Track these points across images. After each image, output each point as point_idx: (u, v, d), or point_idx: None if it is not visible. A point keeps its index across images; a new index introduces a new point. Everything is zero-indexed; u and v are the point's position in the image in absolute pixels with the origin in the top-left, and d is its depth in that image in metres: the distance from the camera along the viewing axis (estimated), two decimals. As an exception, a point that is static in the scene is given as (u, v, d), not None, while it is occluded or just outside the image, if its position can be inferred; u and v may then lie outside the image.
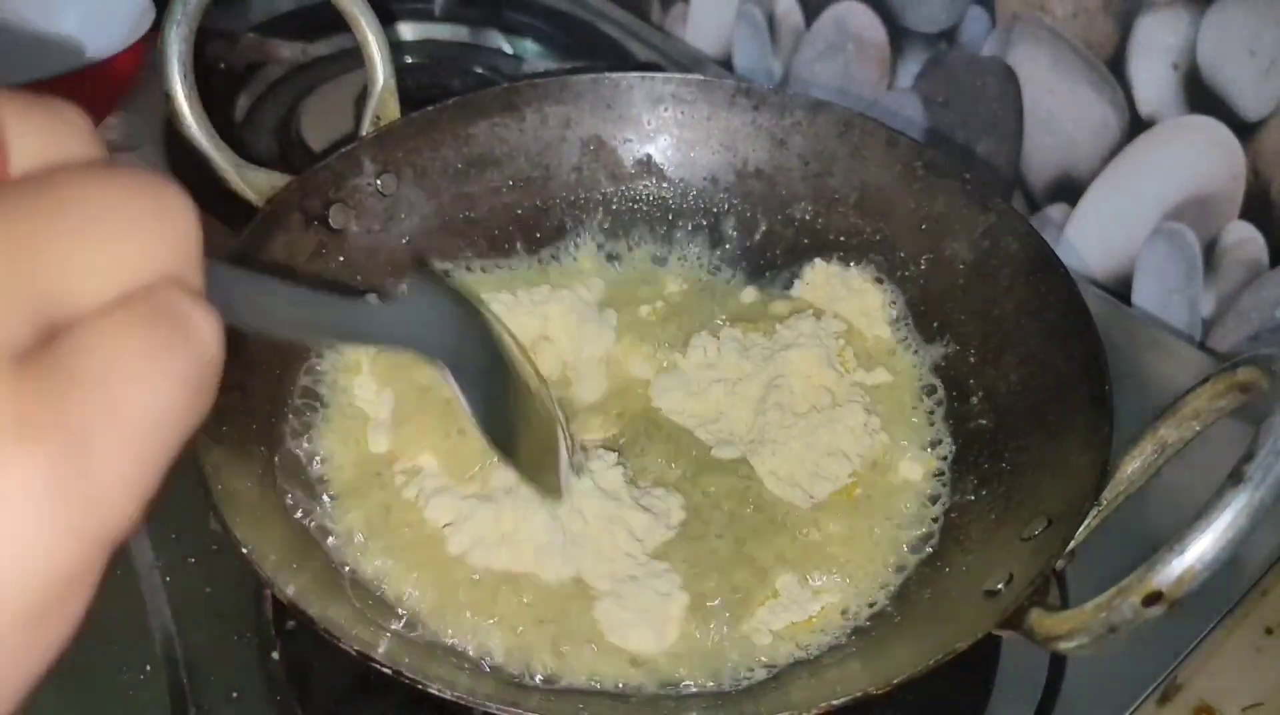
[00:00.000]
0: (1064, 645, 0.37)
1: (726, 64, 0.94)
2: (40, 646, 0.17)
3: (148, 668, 0.49)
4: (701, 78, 0.65)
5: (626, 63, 0.91)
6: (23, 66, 0.71)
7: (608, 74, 0.65)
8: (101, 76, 0.70)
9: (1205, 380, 0.40)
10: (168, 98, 0.54)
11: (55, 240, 0.17)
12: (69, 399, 0.16)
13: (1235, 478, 0.32)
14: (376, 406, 0.54)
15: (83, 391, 0.16)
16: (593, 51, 0.92)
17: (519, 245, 0.64)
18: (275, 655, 0.49)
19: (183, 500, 0.53)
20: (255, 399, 0.51)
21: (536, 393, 0.48)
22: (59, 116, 0.19)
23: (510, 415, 0.44)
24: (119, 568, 0.52)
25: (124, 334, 0.17)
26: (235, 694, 0.48)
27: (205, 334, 0.19)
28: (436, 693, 0.37)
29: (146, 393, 0.17)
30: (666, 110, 0.65)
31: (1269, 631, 0.58)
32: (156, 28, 0.62)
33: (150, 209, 0.18)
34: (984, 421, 0.55)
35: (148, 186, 0.18)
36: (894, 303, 0.61)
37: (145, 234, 0.18)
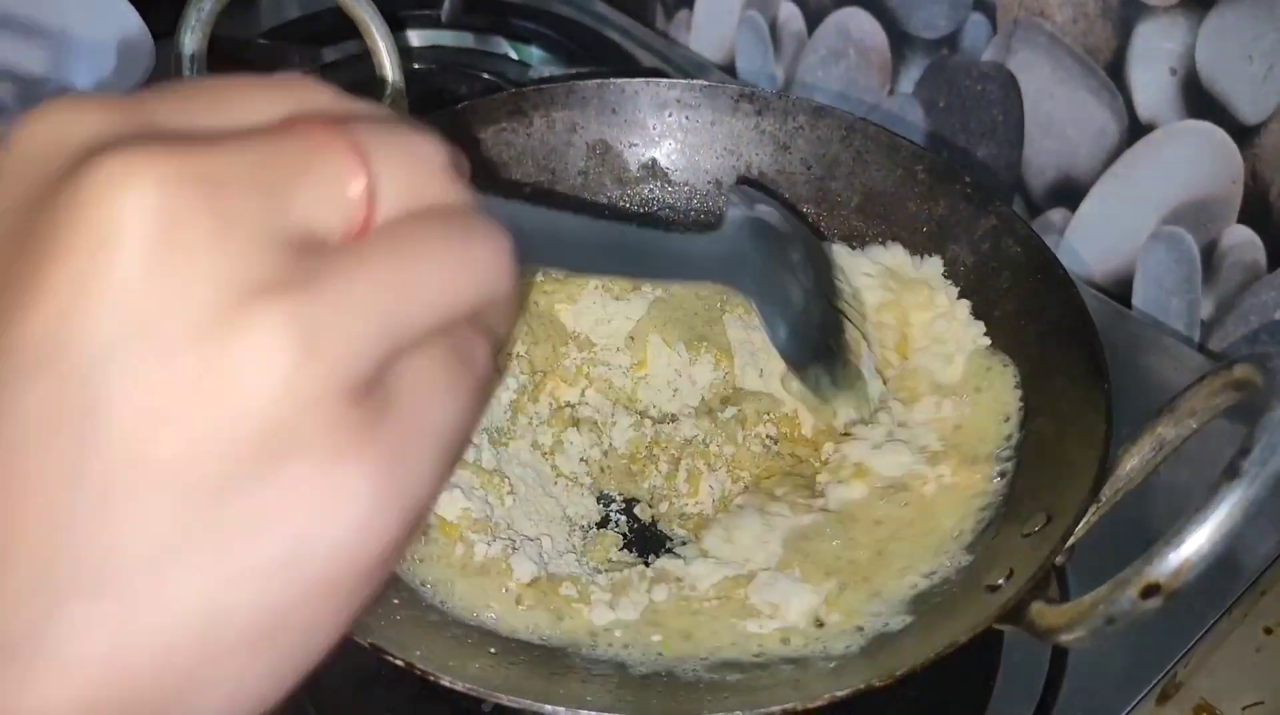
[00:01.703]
0: (1063, 638, 0.37)
1: (729, 70, 0.95)
2: (350, 604, 0.20)
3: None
4: (706, 83, 0.66)
5: (631, 69, 0.92)
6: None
7: (613, 79, 0.66)
8: None
9: (1202, 378, 0.40)
10: (181, 102, 0.55)
11: (402, 290, 0.20)
12: (391, 423, 0.19)
13: (1231, 472, 0.33)
14: None
15: (400, 415, 0.20)
16: (597, 57, 0.93)
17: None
18: (286, 651, 0.50)
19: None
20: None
21: (839, 317, 0.48)
22: (422, 158, 0.21)
23: (813, 339, 0.44)
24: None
25: (432, 368, 0.20)
26: (247, 689, 0.49)
27: (488, 362, 0.22)
28: (449, 685, 0.37)
29: (446, 410, 0.21)
30: (671, 115, 0.66)
31: (1268, 631, 0.58)
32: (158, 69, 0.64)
33: (478, 254, 0.21)
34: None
35: (477, 232, 0.21)
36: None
37: (470, 278, 0.21)
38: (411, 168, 0.21)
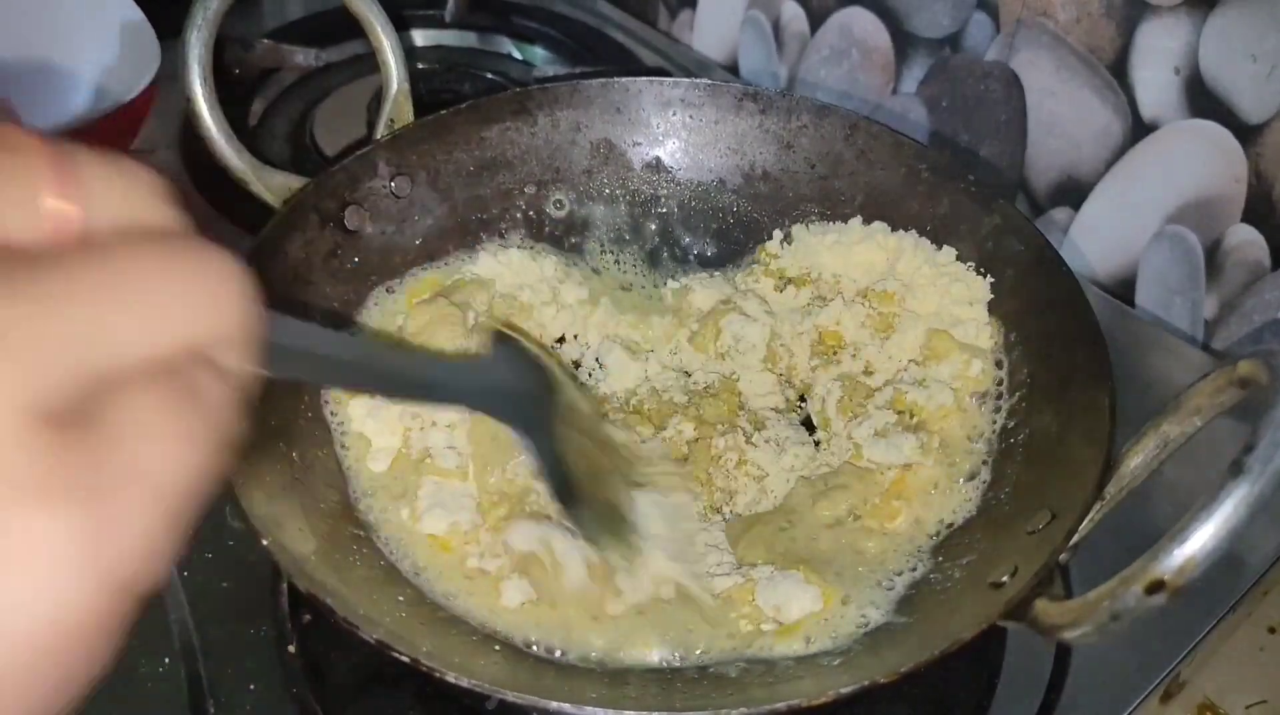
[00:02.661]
0: (1068, 634, 0.37)
1: (732, 69, 0.95)
2: (59, 681, 0.18)
3: (166, 660, 0.50)
4: (709, 82, 0.66)
5: (634, 68, 0.92)
6: (48, 112, 0.73)
7: (618, 79, 0.66)
8: (122, 118, 0.71)
9: (1206, 376, 0.40)
10: (188, 101, 0.55)
11: (108, 306, 0.18)
12: (94, 460, 0.17)
13: (1235, 469, 0.33)
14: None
15: (107, 453, 0.18)
16: (601, 57, 0.93)
17: (530, 247, 0.65)
18: (291, 648, 0.50)
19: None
20: (273, 395, 0.51)
21: (607, 459, 0.49)
22: (137, 181, 0.20)
23: (580, 478, 0.45)
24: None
25: (150, 405, 0.18)
26: (252, 686, 0.49)
27: (224, 408, 0.20)
28: (454, 681, 0.37)
29: (167, 456, 0.18)
30: (675, 114, 0.66)
31: (1271, 630, 0.58)
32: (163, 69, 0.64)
33: (201, 282, 0.19)
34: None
35: (204, 260, 0.20)
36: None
37: (192, 306, 0.19)
38: (126, 185, 0.20)
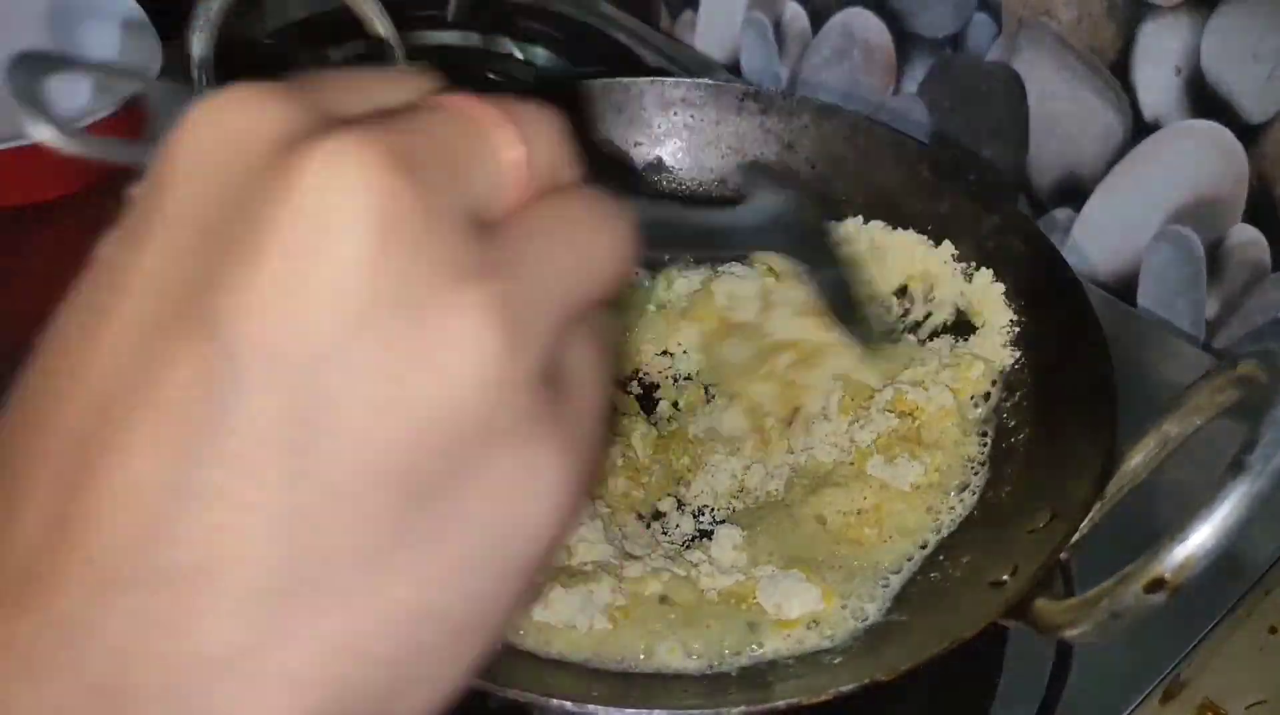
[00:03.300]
0: (1068, 633, 0.37)
1: (734, 70, 0.95)
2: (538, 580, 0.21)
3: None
4: (710, 82, 0.66)
5: (636, 68, 0.92)
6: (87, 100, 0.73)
7: (618, 79, 0.66)
8: (123, 118, 0.71)
9: (1207, 375, 0.41)
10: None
11: (569, 266, 0.19)
12: (572, 405, 0.19)
13: (1236, 467, 0.33)
14: None
15: (574, 397, 0.20)
16: (602, 57, 0.93)
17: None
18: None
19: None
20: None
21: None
22: (557, 132, 0.21)
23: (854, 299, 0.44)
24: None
25: (591, 350, 0.20)
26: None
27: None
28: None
29: (604, 392, 0.21)
30: (676, 114, 0.66)
31: (1273, 630, 0.58)
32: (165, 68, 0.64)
33: (612, 230, 0.21)
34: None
35: (609, 213, 0.21)
36: (900, 303, 0.62)
37: (612, 252, 0.20)
38: (553, 142, 0.20)
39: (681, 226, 0.29)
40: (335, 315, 0.16)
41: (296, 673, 0.17)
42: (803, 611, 0.47)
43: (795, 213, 0.38)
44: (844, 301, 0.42)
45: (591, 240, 0.20)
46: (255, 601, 0.16)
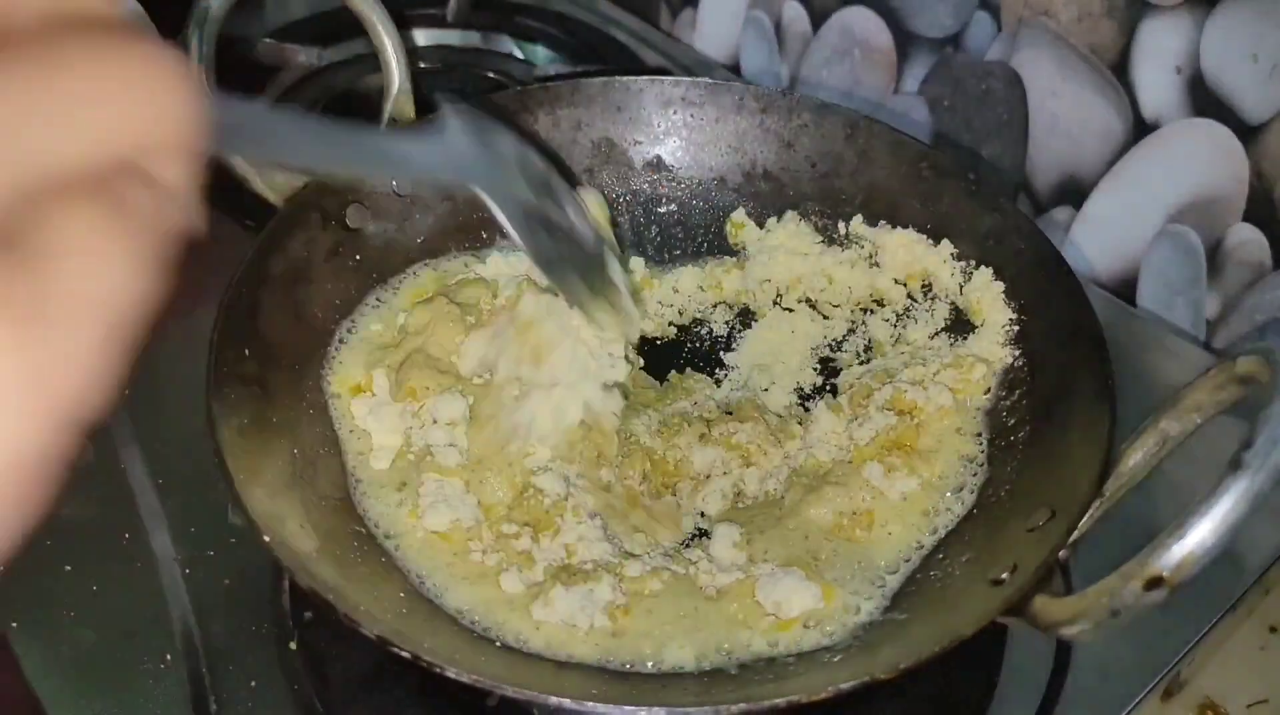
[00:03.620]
0: (1067, 630, 0.37)
1: (734, 69, 0.95)
2: (31, 502, 0.17)
3: (168, 657, 0.50)
4: (710, 81, 0.66)
5: (636, 68, 0.92)
6: None
7: (618, 78, 0.66)
8: None
9: (1206, 373, 0.41)
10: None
11: (34, 114, 0.16)
12: (27, 282, 0.16)
13: (1234, 465, 0.33)
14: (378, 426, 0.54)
15: (40, 274, 0.16)
16: (602, 56, 0.93)
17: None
18: (293, 645, 0.50)
19: (201, 495, 0.54)
20: (275, 393, 0.52)
21: (576, 220, 0.47)
22: None
23: (557, 243, 0.42)
24: (139, 561, 0.53)
25: (84, 221, 0.17)
26: (254, 683, 0.49)
27: (164, 221, 0.18)
28: (455, 676, 0.38)
29: (104, 275, 0.17)
30: (676, 113, 0.66)
31: (1272, 629, 0.58)
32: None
33: (143, 80, 0.18)
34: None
35: (140, 57, 0.18)
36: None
37: (133, 105, 0.17)
38: None
39: (357, 144, 0.28)
40: None
41: None
42: (802, 610, 0.47)
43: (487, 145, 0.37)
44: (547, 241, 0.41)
45: (86, 84, 0.17)
46: None
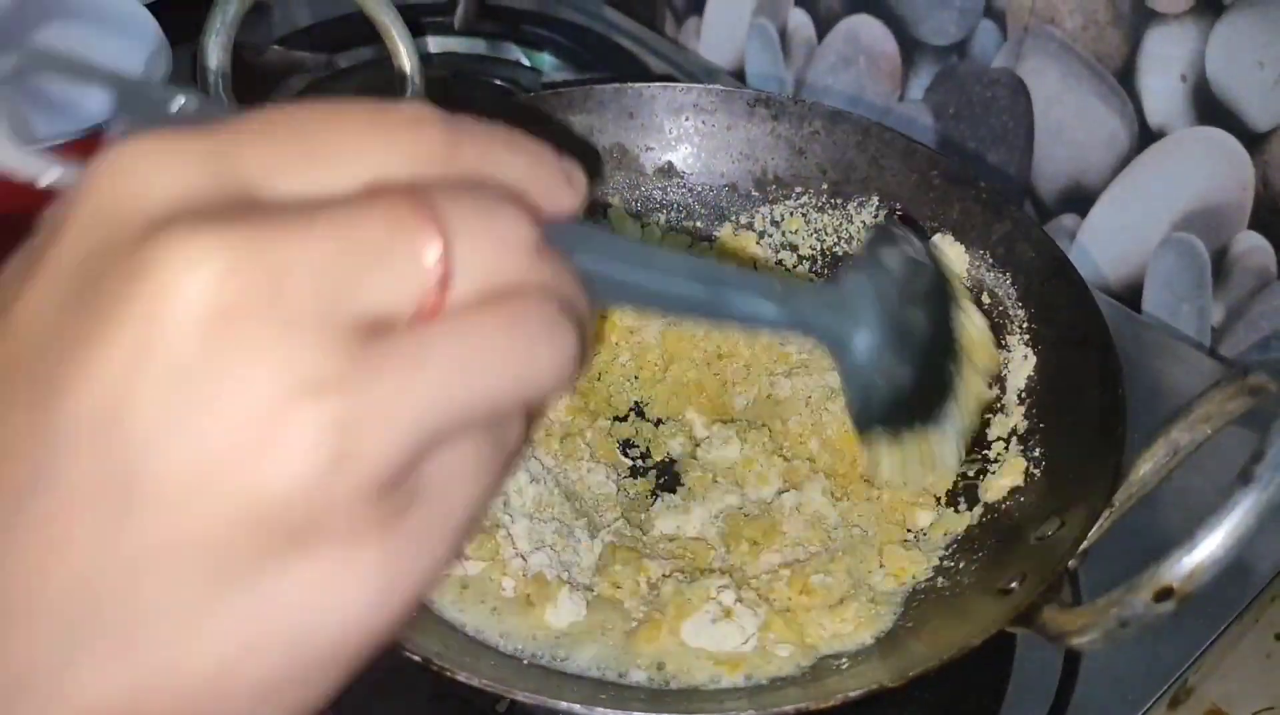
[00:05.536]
0: (1076, 641, 0.37)
1: (739, 76, 0.96)
2: (359, 663, 0.20)
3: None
4: (722, 88, 0.66)
5: (641, 75, 0.92)
6: (60, 120, 0.73)
7: (630, 84, 0.66)
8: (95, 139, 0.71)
9: (1216, 384, 0.41)
10: (202, 107, 0.56)
11: (453, 377, 0.19)
12: (417, 513, 0.19)
13: (1244, 477, 0.33)
14: None
15: (427, 505, 0.19)
16: (608, 64, 0.93)
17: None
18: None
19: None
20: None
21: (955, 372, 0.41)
22: (503, 237, 0.20)
23: (898, 392, 0.35)
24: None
25: (469, 459, 0.20)
26: (264, 688, 0.49)
27: (520, 442, 0.21)
28: (465, 680, 0.38)
29: (473, 498, 0.20)
30: (688, 119, 0.66)
31: (1279, 637, 0.58)
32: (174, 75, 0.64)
33: (544, 348, 0.20)
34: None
35: (550, 324, 0.20)
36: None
37: (531, 373, 0.19)
38: (493, 248, 0.19)
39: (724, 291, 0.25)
40: (162, 404, 0.17)
41: (91, 704, 0.18)
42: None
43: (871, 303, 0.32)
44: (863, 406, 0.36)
45: (502, 357, 0.19)
46: (55, 636, 0.18)
